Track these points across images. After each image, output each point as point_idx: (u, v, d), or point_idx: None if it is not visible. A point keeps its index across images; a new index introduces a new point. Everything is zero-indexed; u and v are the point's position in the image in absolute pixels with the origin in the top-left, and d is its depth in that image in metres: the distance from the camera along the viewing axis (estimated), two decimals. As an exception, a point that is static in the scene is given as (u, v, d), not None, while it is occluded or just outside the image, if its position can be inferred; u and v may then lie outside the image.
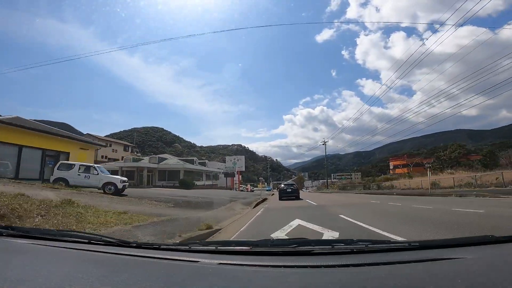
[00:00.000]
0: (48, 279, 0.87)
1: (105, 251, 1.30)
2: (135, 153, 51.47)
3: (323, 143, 51.51)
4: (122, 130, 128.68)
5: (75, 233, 1.65)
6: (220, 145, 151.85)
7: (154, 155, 45.04)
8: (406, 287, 0.81)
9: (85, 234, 1.57)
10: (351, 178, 69.71)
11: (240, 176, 52.84)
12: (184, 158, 50.11)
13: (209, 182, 45.85)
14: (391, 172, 60.69)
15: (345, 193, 32.00)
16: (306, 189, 73.31)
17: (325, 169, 57.39)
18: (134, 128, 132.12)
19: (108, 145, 49.64)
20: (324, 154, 54.54)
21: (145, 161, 38.80)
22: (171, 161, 40.79)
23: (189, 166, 39.48)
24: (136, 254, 1.24)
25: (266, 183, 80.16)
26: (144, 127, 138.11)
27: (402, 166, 58.13)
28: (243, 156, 47.22)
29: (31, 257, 1.17)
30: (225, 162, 46.56)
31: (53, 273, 0.93)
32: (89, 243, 1.45)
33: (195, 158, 47.15)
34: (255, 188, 71.34)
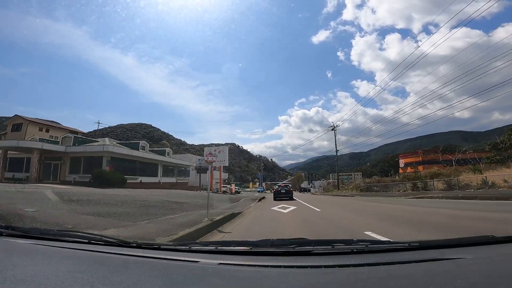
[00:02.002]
0: (48, 279, 0.86)
1: (105, 251, 1.30)
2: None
3: (332, 128, 40.93)
4: (107, 126, 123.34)
5: (75, 233, 1.64)
6: (213, 144, 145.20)
7: (69, 135, 28.60)
8: (406, 287, 0.82)
9: (85, 234, 1.57)
10: (353, 178, 58.93)
11: (225, 173, 44.30)
12: (124, 142, 34.62)
13: (171, 179, 32.04)
14: (401, 170, 50.01)
15: (394, 199, 16.26)
16: (305, 191, 59.96)
17: (335, 163, 43.78)
18: (120, 124, 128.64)
19: (45, 130, 37.12)
20: (320, 155, 48.73)
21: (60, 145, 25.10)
22: (95, 144, 26.24)
23: (121, 151, 24.26)
24: (136, 254, 1.24)
25: (258, 183, 72.44)
26: (130, 124, 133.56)
27: (417, 164, 47.01)
28: (227, 147, 34.95)
29: (31, 257, 1.17)
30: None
31: (53, 273, 0.93)
32: (89, 243, 1.44)
33: (141, 142, 31.43)
34: (246, 190, 59.48)
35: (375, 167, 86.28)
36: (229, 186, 40.75)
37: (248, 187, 77.58)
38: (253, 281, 0.91)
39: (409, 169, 44.54)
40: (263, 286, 0.88)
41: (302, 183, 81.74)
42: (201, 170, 30.48)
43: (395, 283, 0.84)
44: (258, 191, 51.05)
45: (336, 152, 41.20)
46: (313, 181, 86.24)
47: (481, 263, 1.00)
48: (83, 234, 1.56)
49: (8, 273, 0.88)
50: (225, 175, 52.19)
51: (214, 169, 34.30)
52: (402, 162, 55.43)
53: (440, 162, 36.07)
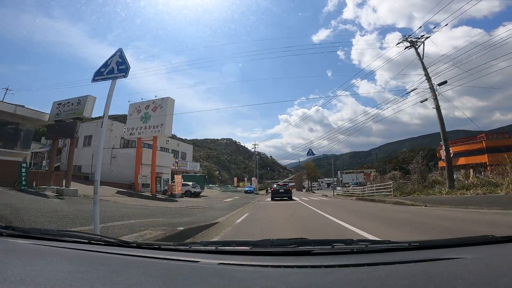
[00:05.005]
0: (48, 279, 0.86)
1: (105, 251, 1.30)
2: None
3: (408, 45, 17.92)
4: (95, 117, 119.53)
5: (75, 233, 1.65)
6: (208, 139, 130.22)
7: None
8: (406, 287, 0.81)
9: (85, 234, 1.58)
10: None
11: (196, 163, 29.68)
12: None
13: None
14: (442, 164, 30.14)
15: None
16: (314, 190, 50.56)
17: (437, 114, 16.62)
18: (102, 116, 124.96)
19: None
20: (320, 154, 35.41)
21: None
22: None
23: None
24: (136, 254, 1.24)
25: (245, 179, 61.03)
26: (114, 115, 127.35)
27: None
28: (173, 100, 19.96)
29: (31, 257, 1.17)
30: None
31: (53, 273, 0.93)
32: (89, 243, 1.45)
33: None
34: (238, 189, 44.11)
35: (390, 163, 77.51)
36: (185, 182, 22.62)
37: (233, 185, 61.77)
38: (253, 281, 0.91)
39: (461, 160, 32.53)
40: (263, 286, 0.87)
41: (312, 180, 67.56)
42: (55, 130, 12.90)
43: (395, 283, 0.83)
44: (246, 191, 37.00)
45: (433, 90, 16.80)
46: (319, 180, 72.50)
47: (481, 263, 1.00)
48: (83, 234, 1.57)
49: (8, 273, 0.88)
50: (195, 165, 34.63)
51: (143, 146, 18.40)
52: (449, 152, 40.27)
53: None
